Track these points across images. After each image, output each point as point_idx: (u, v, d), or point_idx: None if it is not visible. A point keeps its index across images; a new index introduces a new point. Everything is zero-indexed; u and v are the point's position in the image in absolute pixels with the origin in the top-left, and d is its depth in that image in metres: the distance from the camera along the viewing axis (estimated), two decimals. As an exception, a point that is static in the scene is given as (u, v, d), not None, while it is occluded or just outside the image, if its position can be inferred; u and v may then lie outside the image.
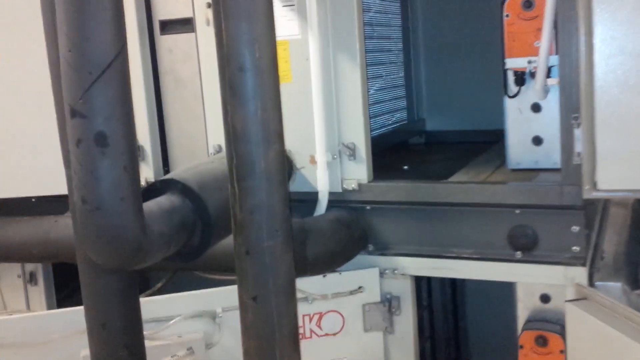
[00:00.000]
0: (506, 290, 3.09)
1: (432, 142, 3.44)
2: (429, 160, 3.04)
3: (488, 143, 2.97)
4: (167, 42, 2.27)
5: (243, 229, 1.37)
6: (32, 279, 2.54)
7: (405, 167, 2.68)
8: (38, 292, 2.55)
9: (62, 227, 2.20)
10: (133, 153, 1.33)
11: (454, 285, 3.30)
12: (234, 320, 1.95)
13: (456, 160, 2.82)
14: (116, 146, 1.28)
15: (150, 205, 1.45)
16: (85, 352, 1.83)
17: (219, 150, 2.22)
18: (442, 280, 3.10)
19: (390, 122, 3.24)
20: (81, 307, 1.88)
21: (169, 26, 2.26)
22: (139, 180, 1.36)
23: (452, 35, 3.28)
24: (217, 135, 2.23)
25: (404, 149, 3.29)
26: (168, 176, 1.60)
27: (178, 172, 1.66)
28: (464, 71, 3.28)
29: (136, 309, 1.57)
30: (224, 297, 1.92)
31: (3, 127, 2.30)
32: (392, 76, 3.27)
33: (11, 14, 2.21)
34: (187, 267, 2.01)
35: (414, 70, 3.43)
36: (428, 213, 2.05)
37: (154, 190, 1.56)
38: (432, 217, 2.05)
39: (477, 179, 2.14)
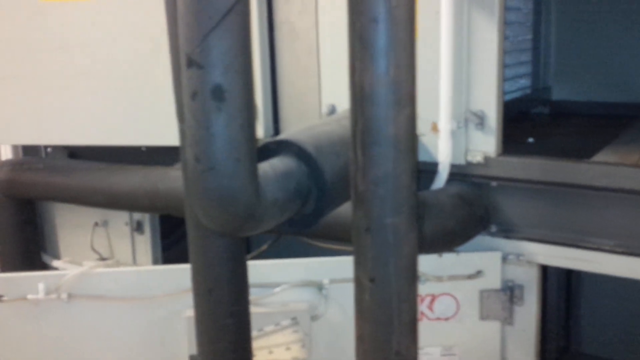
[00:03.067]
0: (624, 284, 2.82)
1: (558, 113, 3.13)
2: (556, 133, 2.75)
3: (625, 118, 2.64)
4: (285, -9, 2.12)
5: (364, 202, 1.22)
6: (139, 227, 2.55)
7: (530, 140, 2.42)
8: (144, 241, 2.55)
9: (171, 179, 2.16)
10: (251, 110, 1.21)
11: (569, 273, 3.04)
12: (341, 293, 1.84)
13: (589, 136, 2.52)
14: (234, 101, 1.16)
15: (264, 168, 1.33)
16: (189, 313, 1.79)
17: (333, 110, 2.08)
18: (559, 269, 2.85)
19: (513, 89, 2.97)
20: (181, 266, 1.84)
21: (288, -26, 2.11)
22: (255, 140, 1.24)
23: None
24: (331, 94, 2.08)
25: (526, 119, 3.01)
26: (283, 137, 1.47)
27: (293, 133, 1.53)
28: (600, 36, 2.93)
29: (243, 275, 1.48)
30: (332, 268, 1.80)
31: (117, 73, 2.26)
32: (518, 38, 2.97)
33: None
34: (295, 233, 1.90)
35: (543, 32, 3.11)
36: (565, 196, 1.81)
37: (267, 151, 1.44)
38: (569, 200, 1.81)
39: (626, 161, 1.87)
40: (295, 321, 1.75)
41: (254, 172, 1.25)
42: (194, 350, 1.77)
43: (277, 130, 2.21)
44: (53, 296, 1.86)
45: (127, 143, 2.38)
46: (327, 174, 1.44)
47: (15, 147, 2.75)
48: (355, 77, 1.19)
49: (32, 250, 2.70)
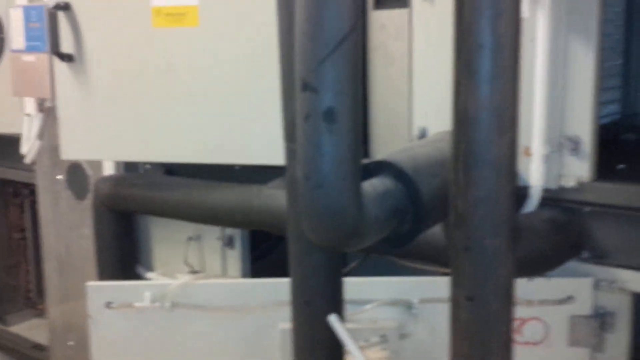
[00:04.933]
0: None
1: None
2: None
3: None
4: (380, 18, 2.20)
5: (465, 222, 1.27)
6: (230, 242, 2.66)
7: (621, 167, 2.38)
8: (234, 256, 2.66)
9: (265, 197, 2.26)
10: (358, 132, 1.28)
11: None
12: (430, 313, 1.88)
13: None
14: (343, 124, 1.24)
15: (365, 187, 1.40)
16: (284, 325, 1.87)
17: (424, 133, 2.13)
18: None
19: (602, 114, 2.92)
20: (281, 279, 1.93)
21: (383, 1, 2.19)
22: (360, 161, 1.32)
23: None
24: (423, 118, 2.14)
25: (615, 146, 2.95)
26: (382, 158, 1.54)
27: (391, 154, 1.59)
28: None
29: (339, 290, 1.55)
30: (422, 288, 1.84)
31: (218, 96, 2.39)
32: (609, 64, 2.94)
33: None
34: (388, 253, 1.95)
35: (633, 57, 3.05)
36: (661, 223, 1.79)
37: (367, 171, 1.51)
38: (665, 227, 1.79)
39: None
40: (384, 339, 1.80)
41: (358, 191, 1.32)
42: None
43: (366, 152, 2.28)
44: (157, 304, 1.99)
45: (222, 162, 2.50)
46: (424, 195, 1.49)
47: (116, 163, 2.92)
48: (460, 101, 1.25)
49: (127, 261, 2.85)
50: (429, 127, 2.11)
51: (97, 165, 3.03)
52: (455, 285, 1.30)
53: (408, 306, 1.85)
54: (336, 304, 1.54)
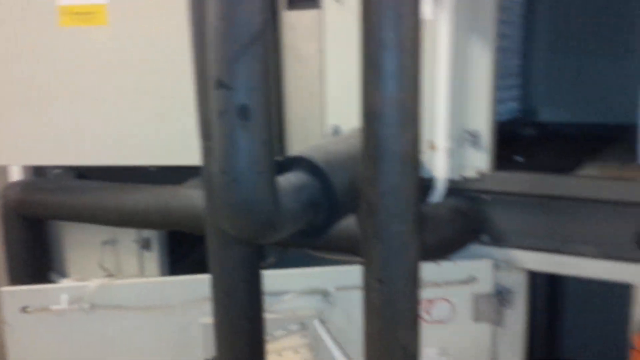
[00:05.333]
0: (608, 291, 2.97)
1: (545, 134, 3.30)
2: (543, 152, 2.91)
3: (606, 138, 2.81)
4: (292, 18, 2.27)
5: (373, 212, 1.36)
6: (147, 244, 2.65)
7: (519, 159, 2.58)
8: (152, 258, 2.65)
9: (181, 197, 2.27)
10: (270, 128, 1.34)
11: (554, 283, 3.19)
12: (345, 300, 1.97)
13: (573, 154, 2.68)
14: (257, 120, 1.29)
15: (281, 181, 1.46)
16: (204, 319, 1.90)
17: (336, 130, 2.22)
18: (544, 276, 3.00)
19: (503, 111, 3.13)
20: (199, 276, 1.96)
21: (295, 1, 2.27)
22: (274, 155, 1.38)
23: (577, 25, 3.12)
24: (335, 115, 2.23)
25: (514, 140, 3.17)
26: (296, 154, 1.61)
27: (305, 150, 1.66)
28: (585, 60, 3.12)
29: (258, 282, 1.60)
30: (337, 277, 1.93)
31: (128, 96, 2.38)
32: (508, 63, 3.15)
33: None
34: (304, 245, 2.03)
35: (532, 58, 3.29)
36: (551, 207, 1.97)
37: (282, 166, 1.57)
38: (554, 211, 1.96)
39: (606, 174, 2.03)
40: (303, 326, 1.87)
41: (273, 185, 1.38)
42: (208, 354, 1.89)
43: (282, 150, 2.35)
44: (75, 307, 1.97)
45: (136, 163, 2.49)
46: (337, 188, 1.57)
47: (24, 169, 2.83)
48: (367, 98, 1.34)
49: (40, 268, 2.77)
50: (342, 124, 2.20)
51: (2, 171, 2.92)
52: (367, 270, 1.39)
53: (325, 294, 1.93)
54: (256, 295, 1.60)
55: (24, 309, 2.02)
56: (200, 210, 2.21)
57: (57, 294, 1.98)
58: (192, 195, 2.25)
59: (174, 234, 2.73)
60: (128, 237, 2.67)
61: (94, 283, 1.98)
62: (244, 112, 1.28)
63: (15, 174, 2.83)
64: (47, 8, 2.38)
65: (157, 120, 2.35)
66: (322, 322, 1.91)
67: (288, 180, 1.50)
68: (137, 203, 2.35)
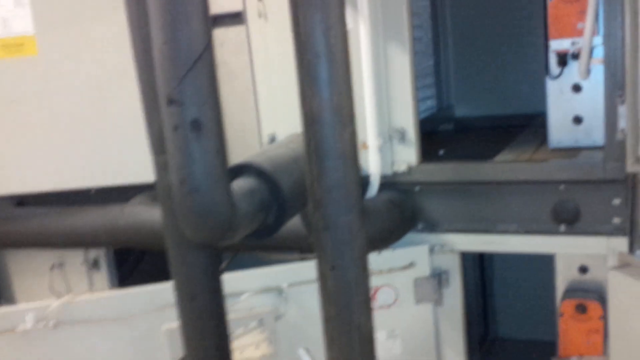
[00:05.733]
0: (533, 266, 3.24)
1: (461, 128, 3.55)
2: (461, 144, 3.15)
3: (517, 127, 3.07)
4: (218, 36, 2.39)
5: (321, 206, 1.50)
6: (95, 264, 2.68)
7: (441, 152, 2.79)
8: (101, 277, 2.69)
9: (128, 215, 2.34)
10: (223, 138, 1.47)
11: (482, 262, 3.44)
12: (298, 294, 2.11)
13: (489, 144, 2.92)
14: (209, 131, 1.42)
15: (233, 187, 1.58)
16: (167, 326, 1.99)
17: (273, 138, 2.35)
18: (473, 257, 3.24)
19: (422, 109, 3.35)
20: (158, 285, 2.05)
21: (219, 20, 2.38)
22: (227, 163, 1.50)
23: (481, 23, 3.39)
24: (270, 125, 2.36)
25: (434, 136, 3.40)
26: (243, 161, 1.73)
27: (250, 157, 1.79)
28: (491, 57, 3.38)
29: (219, 285, 1.71)
30: (289, 274, 2.07)
31: (67, 121, 2.43)
32: (422, 65, 3.38)
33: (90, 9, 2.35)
34: (254, 246, 2.14)
35: (442, 57, 3.54)
36: (475, 192, 2.18)
37: (231, 173, 1.68)
38: (478, 195, 2.17)
39: (520, 158, 2.26)
40: (261, 323, 1.99)
41: (228, 191, 1.50)
42: (174, 358, 1.98)
43: (223, 160, 2.45)
44: (40, 326, 2.01)
45: (76, 187, 2.54)
46: (284, 189, 1.71)
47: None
48: (305, 104, 1.48)
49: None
50: (277, 132, 2.34)
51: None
52: (320, 259, 1.52)
53: (279, 291, 2.06)
54: (218, 297, 1.70)
55: None
56: (148, 225, 2.30)
57: (22, 314, 2.02)
58: (138, 212, 2.32)
59: (119, 252, 2.78)
60: (76, 259, 2.70)
61: (57, 301, 2.03)
62: (196, 126, 1.40)
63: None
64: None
65: (94, 143, 2.42)
66: (278, 317, 2.03)
67: (239, 186, 1.62)
68: (85, 224, 2.40)
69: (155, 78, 1.43)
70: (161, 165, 1.58)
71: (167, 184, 1.52)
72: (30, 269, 2.78)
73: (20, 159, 2.50)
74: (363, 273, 1.57)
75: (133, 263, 2.89)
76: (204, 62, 1.39)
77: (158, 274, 2.29)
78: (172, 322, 1.88)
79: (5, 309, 2.11)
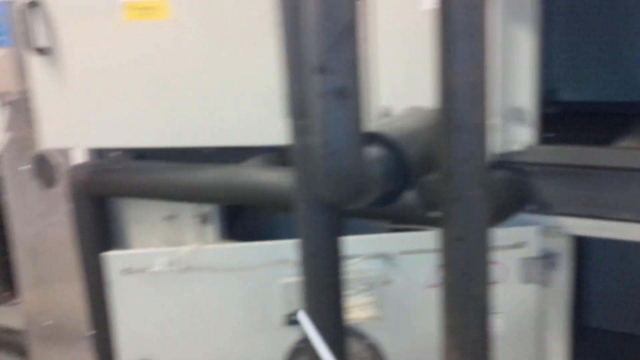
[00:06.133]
0: (633, 257, 3.16)
1: (568, 113, 3.47)
2: (571, 129, 3.08)
3: (631, 115, 2.99)
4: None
5: (453, 177, 1.56)
6: (206, 219, 2.85)
7: (550, 135, 2.76)
8: (211, 231, 2.85)
9: (243, 174, 2.45)
10: (363, 107, 1.54)
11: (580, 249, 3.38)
12: (407, 262, 2.18)
13: (601, 130, 2.85)
14: (353, 99, 1.49)
15: (365, 153, 1.66)
16: (283, 280, 2.13)
17: (388, 112, 2.40)
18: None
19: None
20: (277, 242, 2.19)
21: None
22: (363, 131, 1.58)
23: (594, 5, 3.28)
24: (386, 97, 2.40)
25: (541, 118, 3.34)
26: (372, 130, 1.80)
27: (378, 126, 1.86)
28: (604, 39, 3.28)
29: (340, 245, 1.80)
30: (400, 242, 2.14)
31: (190, 82, 2.56)
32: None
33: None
34: (371, 212, 2.22)
35: (551, 37, 3.45)
36: (591, 176, 2.16)
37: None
38: (595, 180, 2.16)
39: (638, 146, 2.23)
40: (369, 286, 2.09)
41: (362, 157, 1.58)
42: (286, 311, 2.13)
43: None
44: (170, 269, 2.21)
45: (193, 145, 2.67)
46: (409, 160, 1.77)
47: (86, 151, 3.03)
48: (444, 77, 1.53)
49: (105, 245, 2.98)
50: (393, 106, 2.39)
51: (64, 154, 3.12)
52: (447, 229, 1.58)
53: (389, 258, 2.14)
54: (338, 257, 1.80)
55: (125, 271, 2.27)
56: (262, 186, 2.42)
57: (155, 257, 2.23)
58: (255, 173, 2.44)
59: (228, 208, 2.92)
60: (188, 212, 2.87)
61: (186, 248, 2.21)
62: (342, 93, 1.48)
63: (77, 158, 3.03)
64: (113, 3, 2.56)
65: (212, 105, 2.53)
66: (386, 282, 2.13)
67: (370, 153, 1.69)
68: (201, 180, 2.54)
69: (300, 47, 1.52)
70: (299, 129, 1.68)
71: (303, 147, 1.62)
72: (143, 220, 2.98)
73: (141, 116, 2.66)
74: (486, 247, 1.62)
75: (239, 219, 3.05)
76: (353, 32, 1.46)
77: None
78: (287, 277, 2.01)
79: (141, 251, 2.32)
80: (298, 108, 1.66)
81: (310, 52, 1.49)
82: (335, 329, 1.81)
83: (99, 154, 3.03)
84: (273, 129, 2.44)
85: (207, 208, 2.85)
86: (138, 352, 2.41)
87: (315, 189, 1.61)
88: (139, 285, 2.31)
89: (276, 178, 2.27)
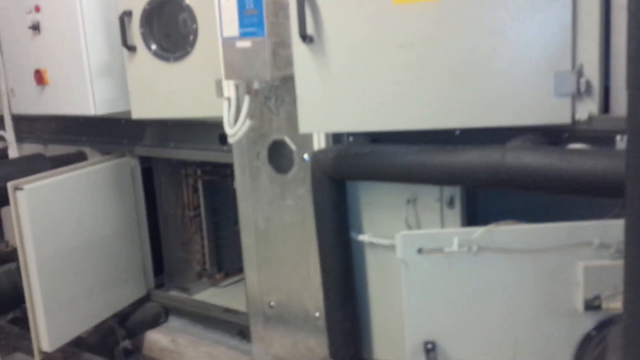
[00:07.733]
0: None
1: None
2: None
3: None
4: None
5: None
6: (450, 202, 2.87)
7: None
8: (453, 215, 2.86)
9: (512, 157, 2.39)
10: None
11: None
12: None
13: None
14: None
15: None
16: (584, 263, 2.11)
17: None
18: None
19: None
20: (577, 223, 2.17)
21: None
22: None
23: None
24: None
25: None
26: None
27: None
28: None
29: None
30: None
31: (454, 63, 2.55)
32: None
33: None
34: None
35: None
36: None
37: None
38: None
39: None
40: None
41: None
42: (587, 296, 2.13)
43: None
44: (464, 249, 2.26)
45: (457, 126, 2.66)
46: None
47: (326, 136, 3.15)
48: None
49: (342, 227, 3.09)
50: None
51: (300, 140, 3.27)
52: None
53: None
54: None
55: (419, 250, 2.35)
56: (535, 169, 2.35)
57: (449, 237, 2.28)
58: (524, 155, 2.38)
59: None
60: (430, 196, 2.87)
61: (481, 229, 2.25)
62: None
63: (317, 143, 3.16)
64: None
65: (468, 86, 2.51)
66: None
67: None
68: (464, 162, 2.52)
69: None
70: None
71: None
72: (378, 204, 3.05)
73: (399, 100, 2.66)
74: None
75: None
76: None
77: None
78: (589, 260, 2.01)
79: (436, 231, 2.38)
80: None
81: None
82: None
83: (334, 139, 3.16)
84: (538, 107, 2.44)
85: (451, 191, 2.87)
86: (424, 334, 2.43)
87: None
88: (433, 265, 2.37)
89: (557, 160, 2.22)
